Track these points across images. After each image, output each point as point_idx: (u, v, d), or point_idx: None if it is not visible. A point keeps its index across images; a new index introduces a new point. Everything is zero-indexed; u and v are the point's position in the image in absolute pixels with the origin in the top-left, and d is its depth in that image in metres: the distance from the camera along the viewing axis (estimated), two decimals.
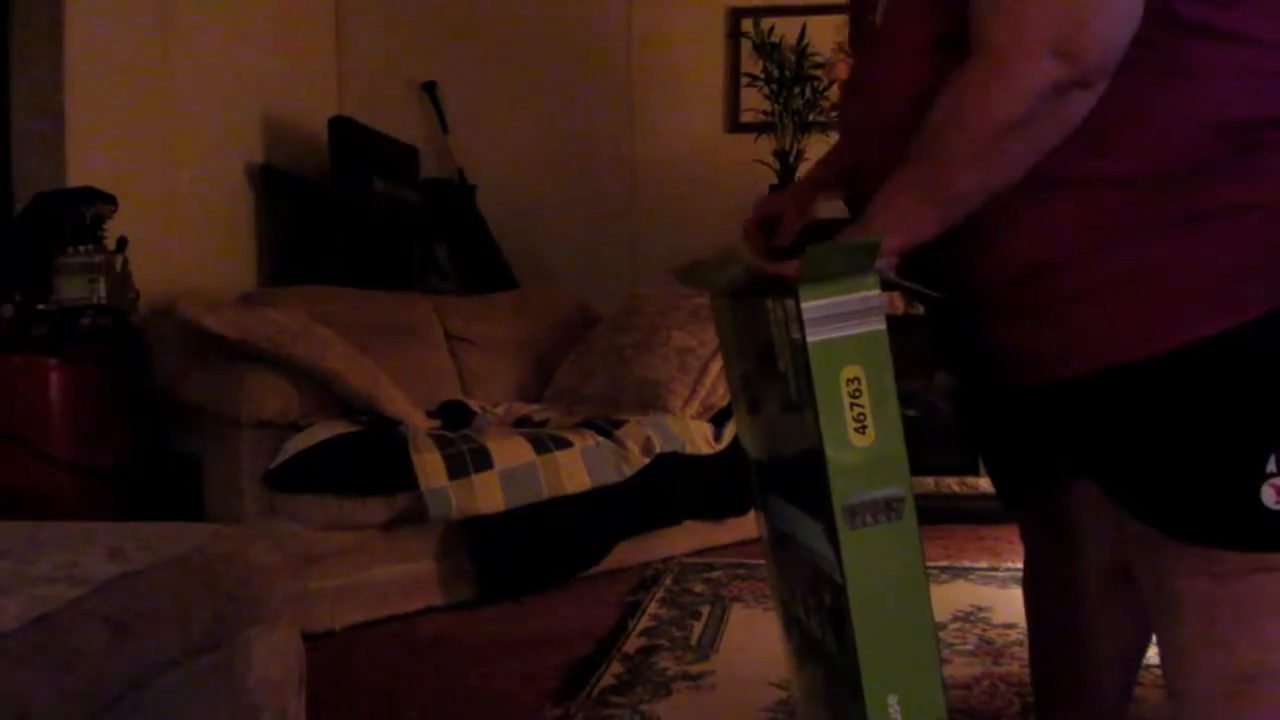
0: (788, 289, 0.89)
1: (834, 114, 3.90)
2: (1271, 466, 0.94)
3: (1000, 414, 1.21)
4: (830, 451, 0.87)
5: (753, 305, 1.01)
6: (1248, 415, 0.96)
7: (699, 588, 2.71)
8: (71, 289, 2.44)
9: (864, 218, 1.00)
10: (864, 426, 0.87)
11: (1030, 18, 0.92)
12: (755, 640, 2.26)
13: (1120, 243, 0.98)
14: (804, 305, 0.86)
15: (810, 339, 0.86)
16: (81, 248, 2.47)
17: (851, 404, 0.87)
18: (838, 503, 0.87)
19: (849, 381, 0.87)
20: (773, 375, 1.00)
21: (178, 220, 3.20)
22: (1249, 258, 0.96)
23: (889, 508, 0.87)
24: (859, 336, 0.87)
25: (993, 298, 1.06)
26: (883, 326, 0.87)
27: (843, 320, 0.87)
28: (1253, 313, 0.95)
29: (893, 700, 0.88)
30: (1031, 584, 1.37)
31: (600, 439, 2.82)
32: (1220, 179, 0.96)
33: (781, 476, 1.10)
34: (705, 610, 2.49)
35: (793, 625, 1.20)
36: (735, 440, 3.21)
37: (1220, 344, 0.95)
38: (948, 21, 0.98)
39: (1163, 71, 0.96)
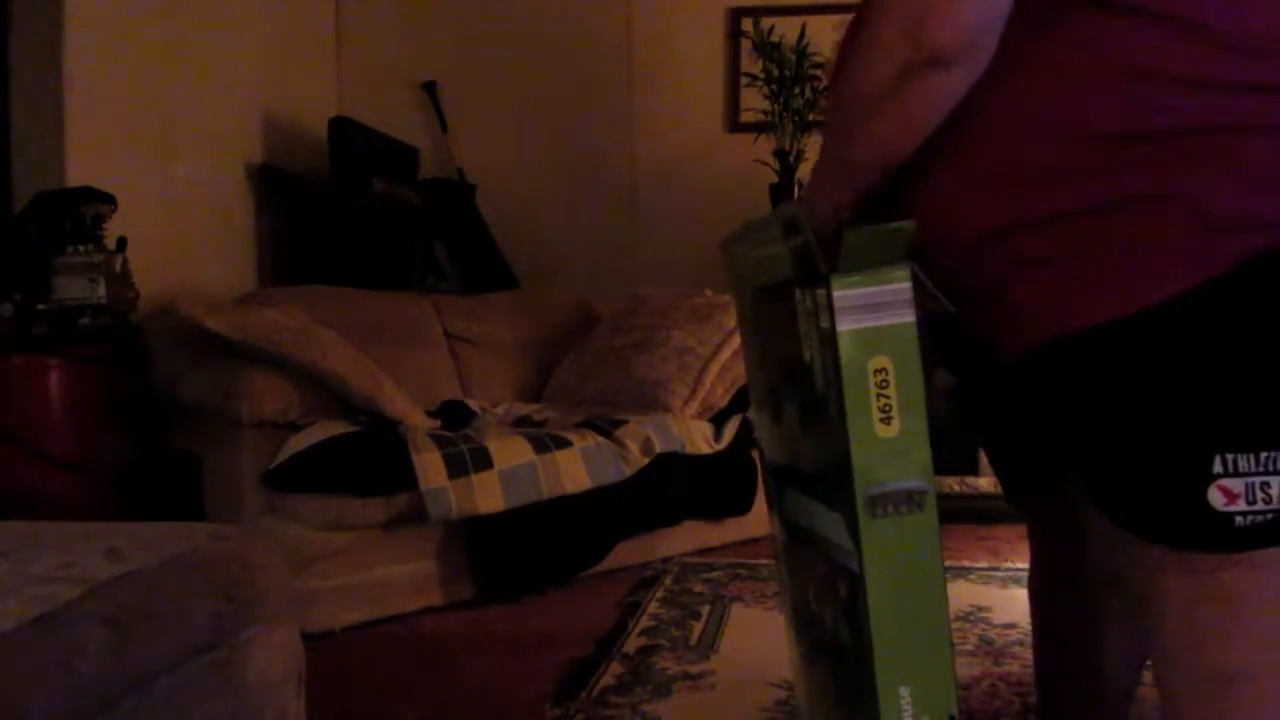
0: (818, 278, 0.88)
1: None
2: (1217, 467, 0.93)
3: (993, 407, 1.21)
4: (855, 441, 0.87)
5: (780, 295, 1.01)
6: (1188, 415, 0.95)
7: (699, 588, 2.71)
8: (71, 289, 2.44)
9: (807, 184, 1.09)
10: (889, 418, 0.87)
11: (888, 1, 0.95)
12: (755, 640, 2.26)
13: (1040, 221, 0.97)
14: (835, 294, 0.86)
15: (840, 328, 0.86)
16: (81, 248, 2.47)
17: (878, 395, 0.87)
18: (860, 492, 0.87)
19: (877, 372, 0.87)
20: (798, 368, 0.99)
21: (178, 220, 3.20)
22: (1157, 243, 0.94)
23: (910, 499, 0.87)
24: (889, 327, 0.87)
25: (952, 278, 1.06)
26: (913, 319, 0.87)
27: (873, 310, 0.87)
28: (1156, 297, 0.93)
29: (905, 692, 0.88)
30: (1037, 582, 1.37)
31: (600, 439, 2.82)
32: (1135, 163, 0.95)
33: (801, 472, 1.10)
34: (705, 610, 2.49)
35: (803, 629, 1.20)
36: (735, 440, 3.21)
37: (1145, 329, 0.94)
38: None
39: (1057, 48, 0.96)
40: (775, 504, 1.26)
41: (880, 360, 0.87)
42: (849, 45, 1.09)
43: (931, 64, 0.93)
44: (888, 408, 0.87)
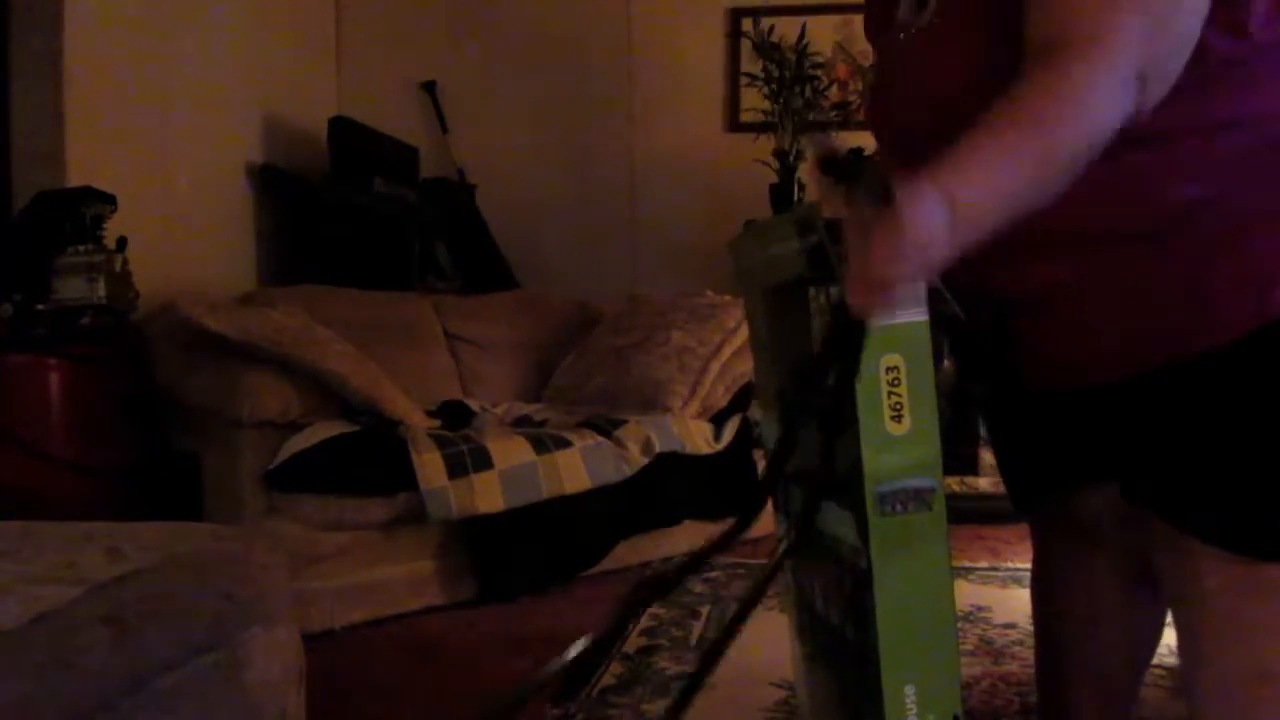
0: (832, 276, 0.88)
1: (836, 119, 3.90)
2: None
3: (1023, 417, 1.20)
4: (865, 437, 0.86)
5: (792, 294, 1.01)
6: None
7: (699, 588, 2.70)
8: (71, 289, 2.44)
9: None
10: (900, 416, 0.87)
11: None
12: (755, 640, 2.25)
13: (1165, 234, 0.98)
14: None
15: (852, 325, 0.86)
16: (81, 248, 2.47)
17: (889, 392, 0.87)
18: (869, 490, 0.87)
19: (888, 370, 0.86)
20: (809, 367, 0.99)
21: (178, 220, 3.20)
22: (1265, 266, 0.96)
23: (920, 498, 0.87)
24: (901, 325, 0.86)
25: (1033, 298, 1.05)
26: (925, 318, 0.87)
27: None
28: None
29: (910, 691, 0.88)
30: (1042, 583, 1.36)
31: (600, 439, 2.82)
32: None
33: (810, 471, 1.10)
34: (705, 610, 2.49)
35: (808, 629, 1.20)
36: (735, 440, 3.21)
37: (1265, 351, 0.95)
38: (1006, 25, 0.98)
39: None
40: (782, 505, 1.26)
41: (892, 358, 0.86)
42: None
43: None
44: (899, 405, 0.87)
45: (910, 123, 1.10)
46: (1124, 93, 0.86)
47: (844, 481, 0.93)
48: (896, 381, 0.87)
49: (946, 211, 0.78)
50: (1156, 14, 0.88)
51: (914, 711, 0.88)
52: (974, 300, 1.13)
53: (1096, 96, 0.85)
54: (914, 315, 0.87)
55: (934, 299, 0.91)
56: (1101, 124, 0.85)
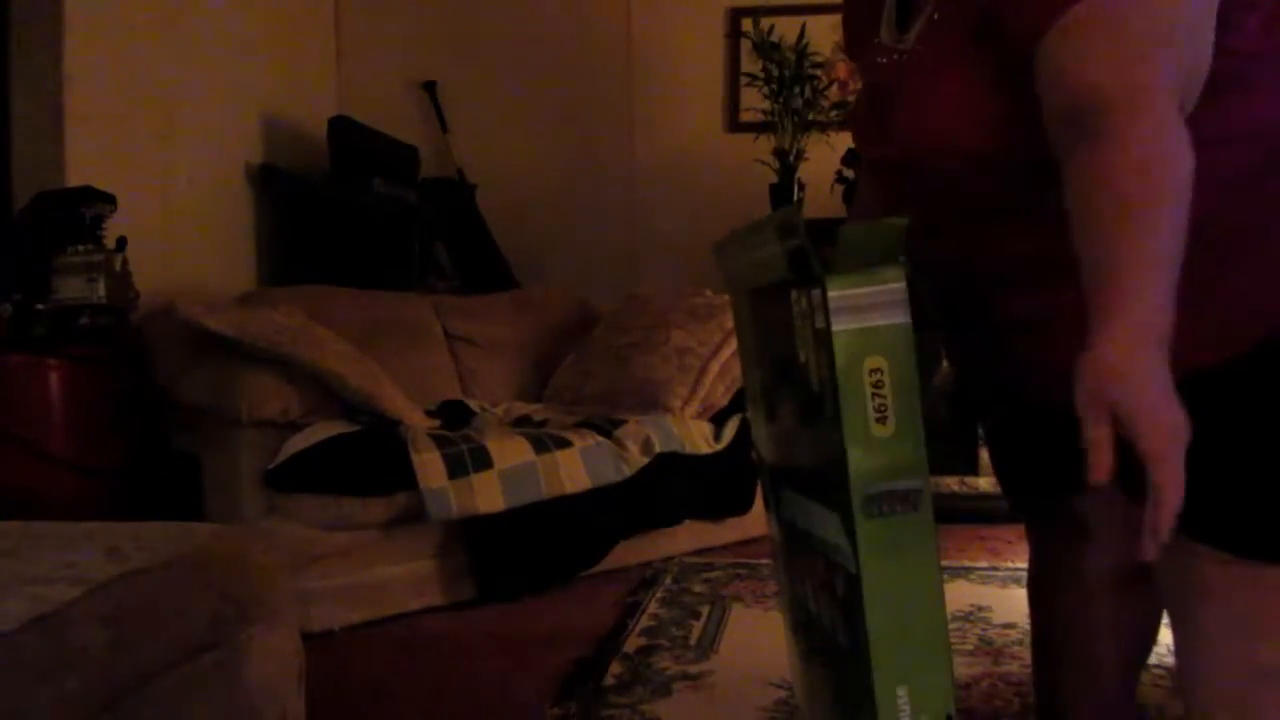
0: (813, 278, 0.88)
1: (837, 119, 3.89)
2: None
3: (1021, 424, 1.20)
4: (850, 441, 0.86)
5: (775, 296, 1.01)
6: None
7: (699, 588, 2.71)
8: (71, 289, 2.44)
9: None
10: (885, 418, 0.87)
11: None
12: (755, 640, 2.26)
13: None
14: (830, 295, 0.86)
15: (835, 328, 0.86)
16: (81, 247, 2.47)
17: (873, 394, 0.87)
18: (856, 492, 0.87)
19: (871, 372, 0.87)
20: (793, 369, 0.99)
21: (177, 220, 3.20)
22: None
23: (906, 499, 0.87)
24: (883, 328, 0.87)
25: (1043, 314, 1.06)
26: (907, 319, 0.87)
27: (868, 311, 0.87)
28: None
29: (902, 692, 0.88)
30: (1039, 583, 1.37)
31: (600, 439, 2.82)
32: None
33: (797, 472, 1.10)
34: (705, 610, 2.49)
35: (801, 629, 1.20)
36: (735, 440, 3.21)
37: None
38: (991, 53, 0.97)
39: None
40: (772, 504, 1.26)
41: (875, 360, 0.87)
42: None
43: None
44: (883, 408, 0.87)
45: (905, 147, 1.10)
46: (1180, 126, 0.88)
47: (828, 482, 0.93)
48: (880, 384, 0.87)
49: (1146, 339, 0.86)
50: (1179, 48, 0.91)
51: (906, 712, 0.88)
52: (971, 321, 1.13)
53: (1171, 147, 0.88)
54: (896, 317, 0.87)
55: (912, 300, 0.92)
56: (1189, 163, 0.88)
